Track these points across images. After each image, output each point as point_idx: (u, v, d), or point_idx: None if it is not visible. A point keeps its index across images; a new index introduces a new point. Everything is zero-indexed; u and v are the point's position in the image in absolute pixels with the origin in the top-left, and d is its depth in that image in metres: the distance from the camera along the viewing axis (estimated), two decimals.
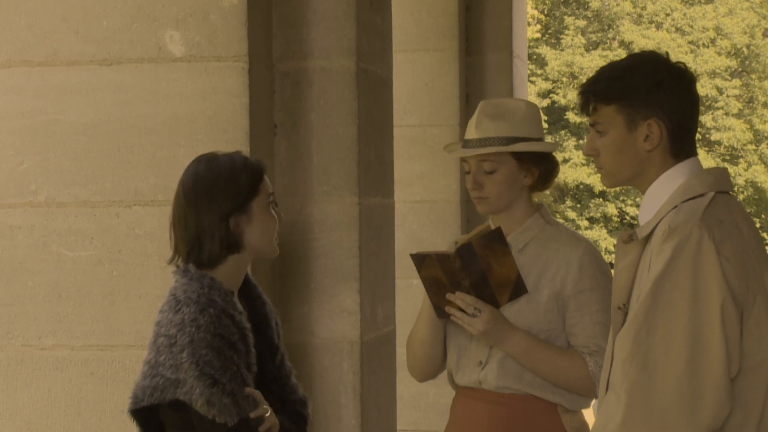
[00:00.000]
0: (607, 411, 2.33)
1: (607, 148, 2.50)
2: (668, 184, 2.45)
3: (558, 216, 26.55)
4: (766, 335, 2.33)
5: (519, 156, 3.13)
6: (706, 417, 2.26)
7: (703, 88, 25.79)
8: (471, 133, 3.15)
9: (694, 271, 2.29)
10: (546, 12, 28.57)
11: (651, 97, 2.45)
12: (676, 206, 2.40)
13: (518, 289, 3.07)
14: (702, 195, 2.40)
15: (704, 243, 2.30)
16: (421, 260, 3.07)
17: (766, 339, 2.33)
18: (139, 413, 2.64)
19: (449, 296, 3.08)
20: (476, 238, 3.03)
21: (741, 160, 27.22)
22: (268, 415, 2.66)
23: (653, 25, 27.35)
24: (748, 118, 27.24)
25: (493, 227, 3.15)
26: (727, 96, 26.67)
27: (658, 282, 2.31)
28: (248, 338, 2.66)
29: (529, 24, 23.29)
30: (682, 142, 2.47)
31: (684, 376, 2.26)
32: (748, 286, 2.32)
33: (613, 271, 2.64)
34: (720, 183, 2.46)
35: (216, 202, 2.66)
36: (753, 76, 27.62)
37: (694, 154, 2.50)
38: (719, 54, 26.91)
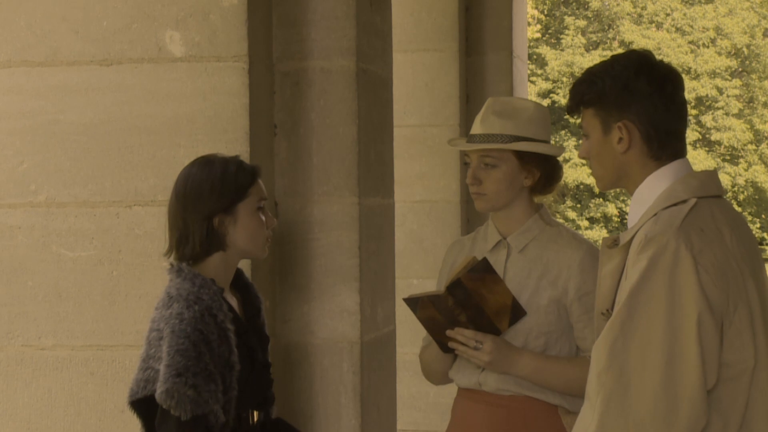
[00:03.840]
0: (582, 421, 2.31)
1: (591, 151, 2.50)
2: (653, 188, 2.42)
3: (558, 216, 26.54)
4: (747, 345, 2.30)
5: (521, 155, 3.12)
6: (682, 429, 2.24)
7: (703, 88, 25.77)
8: (476, 128, 3.14)
9: (670, 282, 2.25)
10: (546, 12, 28.59)
11: (620, 100, 2.42)
12: (656, 214, 2.36)
13: (516, 313, 3.05)
14: (684, 201, 2.36)
15: (681, 254, 2.26)
16: (414, 303, 3.07)
17: (746, 349, 2.30)
18: (137, 405, 2.70)
19: (449, 333, 3.07)
20: (464, 272, 3.00)
21: (741, 160, 27.22)
22: None
23: (653, 25, 27.34)
24: (748, 118, 27.25)
25: (490, 233, 3.15)
26: (727, 96, 26.67)
27: (634, 293, 2.27)
28: (230, 339, 2.71)
29: (529, 24, 23.30)
30: (660, 143, 2.42)
31: (660, 389, 2.23)
32: (729, 296, 2.29)
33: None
34: (705, 188, 2.41)
35: (201, 201, 2.76)
36: (753, 76, 27.63)
37: (681, 155, 2.45)
38: (719, 54, 26.91)
